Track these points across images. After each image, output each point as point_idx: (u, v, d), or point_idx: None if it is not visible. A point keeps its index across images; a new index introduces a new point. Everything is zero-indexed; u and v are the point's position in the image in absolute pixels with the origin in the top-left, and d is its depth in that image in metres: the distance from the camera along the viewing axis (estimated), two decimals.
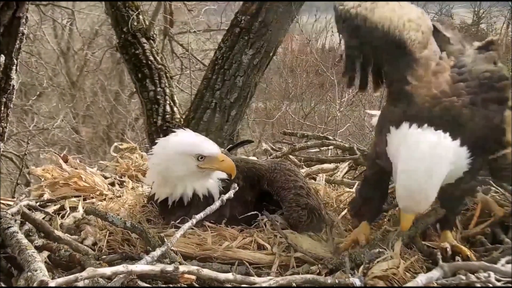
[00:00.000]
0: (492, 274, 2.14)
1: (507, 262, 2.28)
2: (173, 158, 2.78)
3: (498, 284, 2.11)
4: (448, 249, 2.46)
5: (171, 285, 2.14)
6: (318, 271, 2.38)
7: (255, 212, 2.81)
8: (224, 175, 2.88)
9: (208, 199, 2.79)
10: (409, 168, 2.17)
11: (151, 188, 3.01)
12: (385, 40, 2.42)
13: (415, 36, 2.41)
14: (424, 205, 2.27)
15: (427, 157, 2.15)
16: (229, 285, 2.13)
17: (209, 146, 2.81)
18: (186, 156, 2.77)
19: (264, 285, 2.06)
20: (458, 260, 2.40)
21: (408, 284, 2.14)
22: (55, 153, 3.64)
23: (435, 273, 2.20)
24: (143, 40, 6.91)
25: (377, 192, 2.65)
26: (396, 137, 2.28)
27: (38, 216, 2.81)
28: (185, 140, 2.84)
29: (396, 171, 2.23)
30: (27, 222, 2.66)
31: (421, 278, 2.14)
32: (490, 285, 2.11)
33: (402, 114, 2.30)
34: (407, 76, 2.36)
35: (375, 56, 2.54)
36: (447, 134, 2.18)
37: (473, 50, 2.49)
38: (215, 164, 2.79)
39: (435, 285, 2.15)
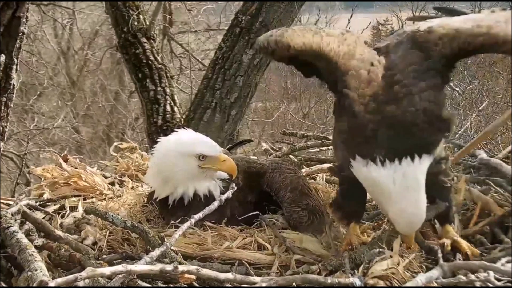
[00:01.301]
0: (491, 273, 2.13)
1: (507, 262, 2.28)
2: (174, 157, 2.77)
3: (498, 283, 2.10)
4: (446, 244, 2.46)
5: (171, 285, 2.14)
6: (318, 271, 2.37)
7: (256, 212, 2.81)
8: (224, 175, 2.87)
9: (209, 199, 2.78)
10: (396, 208, 2.24)
11: (151, 187, 3.01)
12: (307, 56, 2.46)
13: (338, 48, 2.41)
14: (421, 223, 2.35)
15: (406, 191, 2.22)
16: (229, 285, 2.13)
17: (210, 146, 2.80)
18: (187, 156, 2.76)
19: (264, 285, 2.06)
20: (459, 259, 2.40)
21: (408, 284, 2.14)
22: (55, 152, 3.64)
23: (435, 273, 2.19)
24: (143, 39, 6.91)
25: (357, 192, 2.60)
26: (361, 174, 2.29)
27: (38, 215, 2.81)
28: (187, 140, 2.83)
29: (377, 201, 2.34)
30: (27, 222, 2.66)
31: (421, 278, 2.14)
32: (490, 285, 2.11)
33: (356, 147, 2.28)
34: (343, 90, 2.33)
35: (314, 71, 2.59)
36: (408, 158, 2.20)
37: (403, 44, 2.44)
38: (216, 164, 2.78)
39: (435, 284, 2.15)
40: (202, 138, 2.88)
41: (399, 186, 2.21)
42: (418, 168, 2.22)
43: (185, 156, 2.76)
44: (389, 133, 2.21)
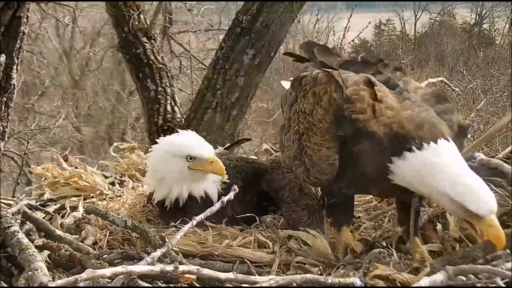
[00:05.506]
0: (498, 278, 2.12)
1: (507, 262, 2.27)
2: (165, 158, 2.81)
3: (503, 285, 2.09)
4: None
5: (171, 285, 2.14)
6: (319, 273, 2.37)
7: (254, 214, 2.81)
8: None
9: (206, 200, 2.79)
10: (466, 179, 2.23)
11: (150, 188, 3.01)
12: None
13: None
14: None
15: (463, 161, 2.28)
16: (229, 285, 2.13)
17: (198, 148, 2.81)
18: (176, 157, 2.79)
19: (264, 284, 2.05)
20: None
21: (413, 285, 2.13)
22: (56, 152, 3.65)
23: (439, 276, 2.17)
24: (144, 39, 6.90)
25: (349, 199, 2.63)
26: (411, 163, 2.27)
27: (39, 215, 2.81)
28: (176, 141, 2.86)
29: (439, 189, 2.24)
30: (27, 222, 2.66)
31: (425, 281, 2.12)
32: (492, 286, 2.10)
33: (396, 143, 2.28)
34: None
35: None
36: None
37: None
38: (204, 166, 2.79)
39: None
40: (192, 140, 2.88)
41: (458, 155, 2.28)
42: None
43: (175, 157, 2.80)
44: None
